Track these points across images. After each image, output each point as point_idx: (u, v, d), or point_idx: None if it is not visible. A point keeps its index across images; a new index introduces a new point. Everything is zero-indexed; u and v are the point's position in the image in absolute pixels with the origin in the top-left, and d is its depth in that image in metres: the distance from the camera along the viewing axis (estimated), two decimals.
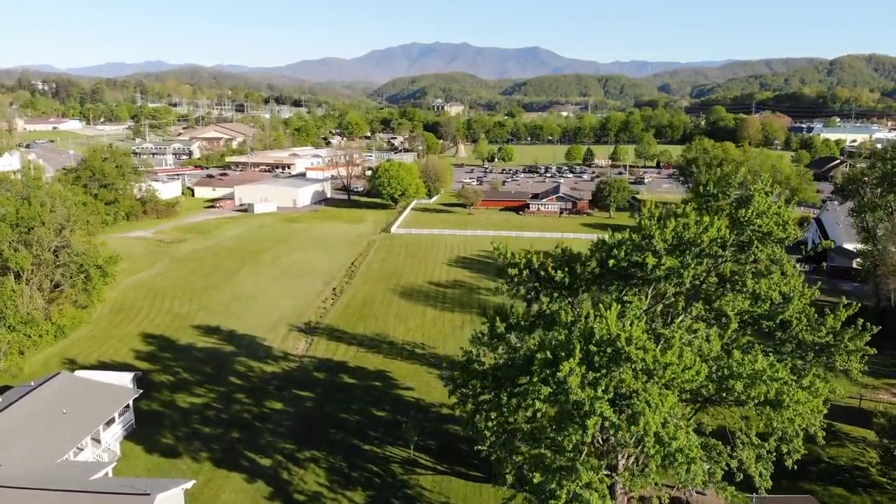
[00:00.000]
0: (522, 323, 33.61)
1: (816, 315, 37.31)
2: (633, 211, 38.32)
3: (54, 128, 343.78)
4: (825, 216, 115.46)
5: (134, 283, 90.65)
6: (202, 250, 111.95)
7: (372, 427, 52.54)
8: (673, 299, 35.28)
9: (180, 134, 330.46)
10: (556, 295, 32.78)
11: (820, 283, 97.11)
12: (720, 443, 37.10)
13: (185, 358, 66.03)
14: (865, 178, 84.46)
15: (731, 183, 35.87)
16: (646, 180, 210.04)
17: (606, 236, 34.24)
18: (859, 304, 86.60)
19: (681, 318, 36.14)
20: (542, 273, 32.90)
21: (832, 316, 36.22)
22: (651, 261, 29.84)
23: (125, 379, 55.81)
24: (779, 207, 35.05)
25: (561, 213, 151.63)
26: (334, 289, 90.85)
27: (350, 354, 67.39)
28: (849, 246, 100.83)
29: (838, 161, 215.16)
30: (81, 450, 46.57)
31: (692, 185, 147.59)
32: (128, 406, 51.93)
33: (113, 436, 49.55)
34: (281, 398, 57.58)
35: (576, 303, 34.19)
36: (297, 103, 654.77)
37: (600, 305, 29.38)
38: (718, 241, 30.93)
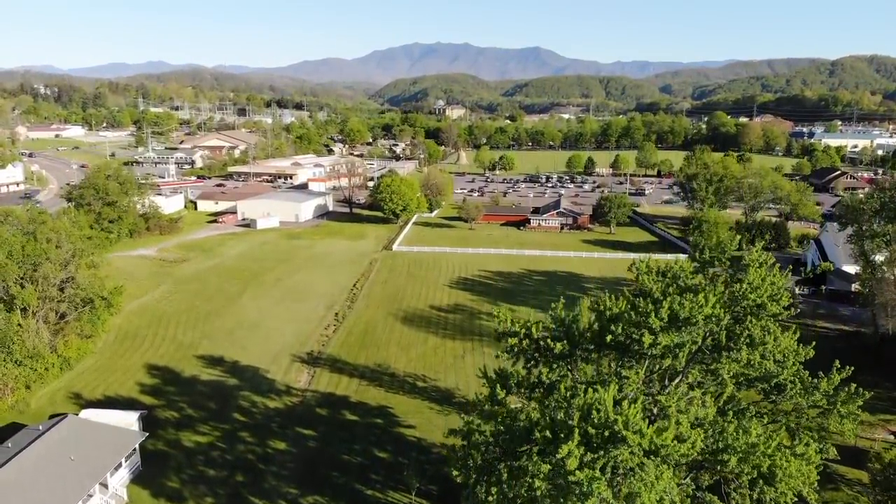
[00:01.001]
0: (523, 390, 34.37)
1: (810, 377, 38.06)
2: (631, 268, 38.95)
3: (57, 135, 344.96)
4: (825, 237, 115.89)
5: (138, 309, 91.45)
6: (205, 271, 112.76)
7: (374, 469, 53.32)
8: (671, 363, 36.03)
9: (182, 141, 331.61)
10: (555, 366, 33.50)
11: (820, 309, 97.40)
12: (716, 497, 37.93)
13: (189, 392, 66.84)
14: (864, 207, 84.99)
15: (726, 250, 36.57)
16: (647, 191, 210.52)
17: (604, 305, 34.79)
18: (857, 331, 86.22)
19: (678, 379, 36.91)
20: (542, 344, 33.63)
21: (825, 380, 36.92)
22: (647, 339, 30.59)
23: (131, 418, 56.77)
24: (774, 276, 35.79)
25: (562, 228, 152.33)
26: (336, 314, 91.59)
27: (352, 388, 68.16)
28: (848, 268, 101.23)
29: (839, 173, 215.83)
30: (91, 496, 47.48)
31: (691, 200, 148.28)
32: (134, 449, 52.74)
33: (120, 480, 50.36)
34: (284, 437, 58.37)
35: (575, 370, 34.95)
36: (298, 106, 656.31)
37: (598, 386, 30.06)
38: (713, 318, 31.64)
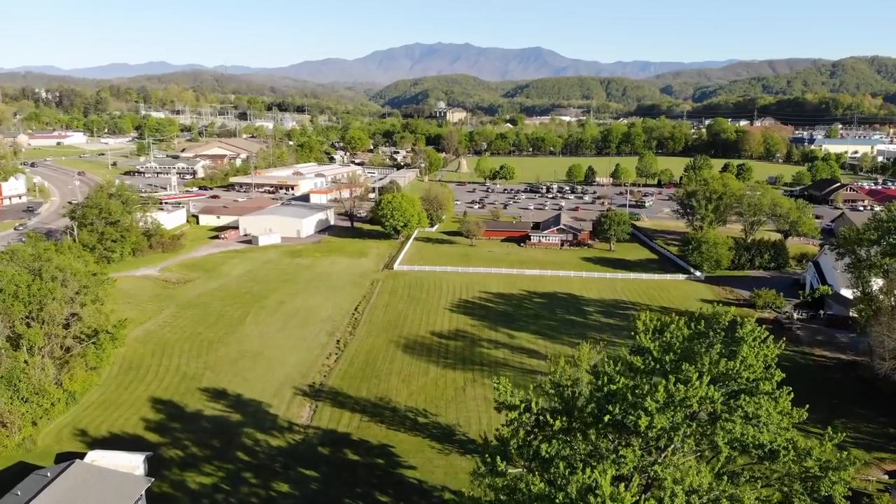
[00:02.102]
0: (523, 462, 35.16)
1: (803, 439, 38.81)
2: (631, 328, 40.15)
3: (59, 143, 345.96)
4: (823, 259, 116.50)
5: (142, 336, 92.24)
6: (208, 294, 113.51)
7: None
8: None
9: (184, 149, 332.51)
10: (554, 441, 34.28)
11: (818, 335, 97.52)
12: None
13: (193, 429, 67.61)
14: (862, 238, 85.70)
15: (721, 321, 37.34)
16: (647, 203, 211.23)
17: (603, 381, 35.36)
18: (854, 361, 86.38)
19: (673, 446, 37.70)
20: (541, 419, 34.41)
21: (818, 446, 37.69)
22: (644, 422, 31.39)
23: (137, 460, 57.64)
24: (767, 347, 36.54)
25: (562, 245, 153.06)
26: (338, 341, 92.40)
27: (353, 424, 68.91)
28: (846, 293, 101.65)
29: (839, 185, 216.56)
30: None
31: (691, 217, 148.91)
32: (141, 495, 53.54)
33: None
34: (287, 478, 59.14)
35: (574, 442, 35.70)
36: (300, 109, 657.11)
37: (595, 464, 30.85)
38: (708, 399, 32.43)
